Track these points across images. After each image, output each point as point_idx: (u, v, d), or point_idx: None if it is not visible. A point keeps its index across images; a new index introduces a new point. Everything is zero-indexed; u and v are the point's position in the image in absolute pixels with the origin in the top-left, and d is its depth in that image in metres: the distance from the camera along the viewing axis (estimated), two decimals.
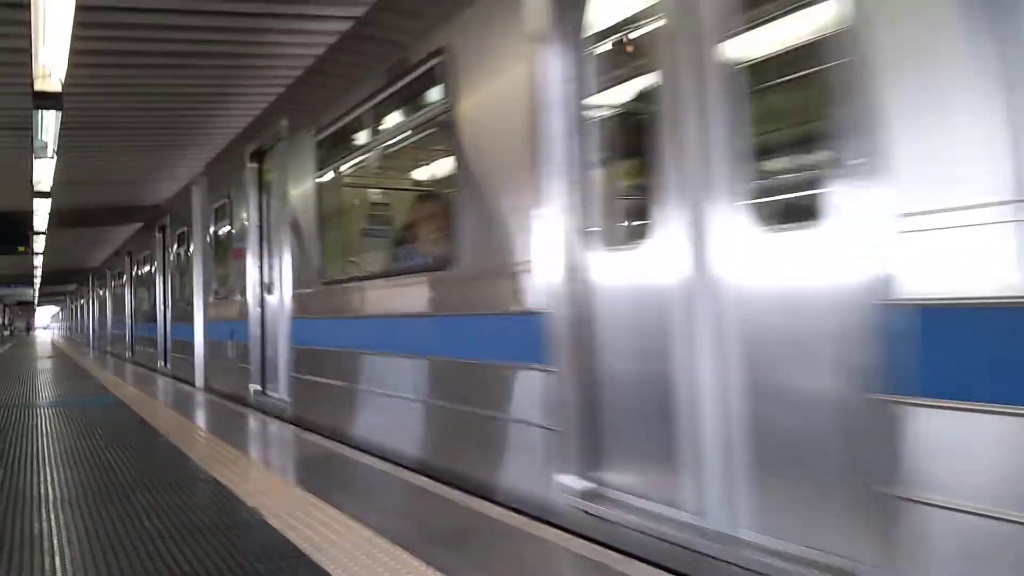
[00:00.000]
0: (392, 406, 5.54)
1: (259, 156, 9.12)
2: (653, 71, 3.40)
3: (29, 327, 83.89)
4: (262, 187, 9.13)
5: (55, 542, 3.55)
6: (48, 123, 8.34)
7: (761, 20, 3.41)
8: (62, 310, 71.31)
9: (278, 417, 7.60)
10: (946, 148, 2.20)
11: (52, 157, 9.82)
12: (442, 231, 5.24)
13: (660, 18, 3.34)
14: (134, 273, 20.18)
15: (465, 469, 4.58)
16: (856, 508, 2.46)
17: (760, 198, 2.98)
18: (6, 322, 67.10)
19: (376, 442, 5.71)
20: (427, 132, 5.76)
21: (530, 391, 4.02)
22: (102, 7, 6.03)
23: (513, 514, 3.77)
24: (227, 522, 3.79)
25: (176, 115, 9.67)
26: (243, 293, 9.14)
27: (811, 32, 3.24)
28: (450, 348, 4.83)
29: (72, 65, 6.70)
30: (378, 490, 4.56)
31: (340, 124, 6.68)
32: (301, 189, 7.45)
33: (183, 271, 13.44)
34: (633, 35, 3.72)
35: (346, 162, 6.94)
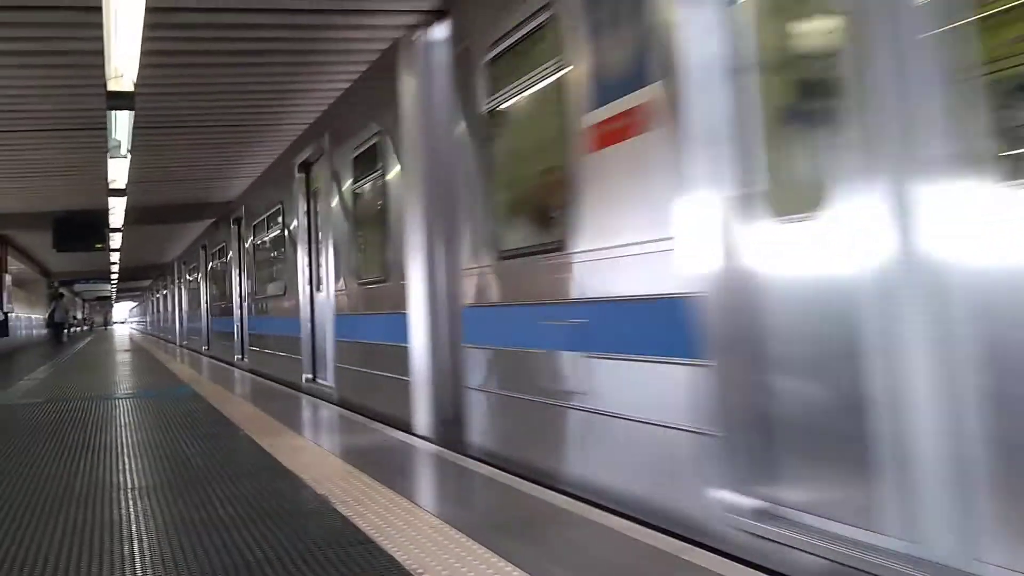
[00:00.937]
0: (513, 407, 4.88)
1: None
2: None
3: (107, 322, 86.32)
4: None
5: (133, 529, 3.65)
6: (121, 123, 8.56)
7: None
8: (138, 305, 73.09)
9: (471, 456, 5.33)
10: None
11: (126, 156, 10.08)
12: (549, 206, 4.61)
13: None
14: (209, 267, 20.15)
15: (589, 477, 4.04)
16: None
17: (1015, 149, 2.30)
18: (84, 317, 69.02)
19: (500, 451, 5.03)
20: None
21: (673, 390, 3.40)
22: (171, 8, 6.15)
23: (577, 502, 3.75)
24: (298, 509, 3.86)
25: (244, 113, 9.83)
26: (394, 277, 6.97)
27: None
28: (562, 340, 4.26)
29: (143, 65, 6.86)
30: (442, 479, 4.59)
31: None
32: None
33: (272, 262, 12.89)
34: None
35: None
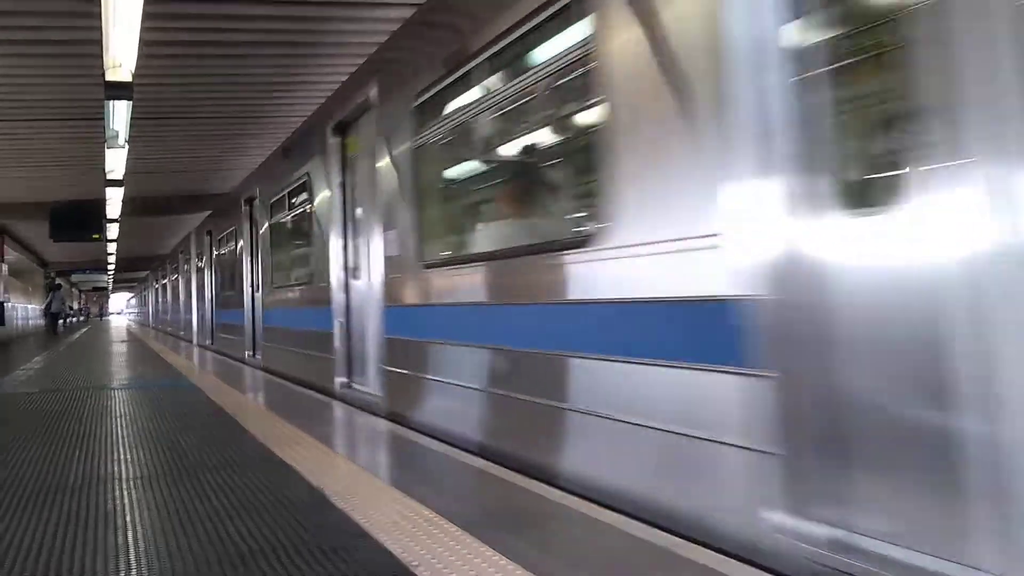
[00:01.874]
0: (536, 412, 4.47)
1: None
2: None
3: (103, 312, 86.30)
4: None
5: (127, 518, 3.65)
6: (119, 113, 8.56)
7: None
8: (135, 296, 73.02)
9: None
10: None
11: (124, 146, 10.08)
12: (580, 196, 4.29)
13: None
14: (215, 254, 17.93)
15: (630, 491, 3.68)
16: None
17: None
18: (81, 308, 68.99)
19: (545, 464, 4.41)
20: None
21: (722, 401, 3.11)
22: None
23: (574, 497, 3.76)
24: (293, 501, 3.86)
25: (242, 104, 9.84)
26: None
27: None
28: (593, 343, 3.97)
29: (142, 55, 6.86)
30: (438, 472, 4.59)
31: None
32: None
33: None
34: None
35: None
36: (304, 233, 9.79)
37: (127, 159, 11.24)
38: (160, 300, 37.91)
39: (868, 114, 2.82)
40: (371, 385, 7.35)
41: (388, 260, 6.68)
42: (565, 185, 4.87)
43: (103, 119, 8.78)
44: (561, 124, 4.67)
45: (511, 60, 4.87)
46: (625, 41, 3.67)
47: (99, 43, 6.53)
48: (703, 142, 3.18)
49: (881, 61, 2.69)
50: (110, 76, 7.15)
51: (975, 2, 2.27)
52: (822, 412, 2.73)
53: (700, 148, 3.20)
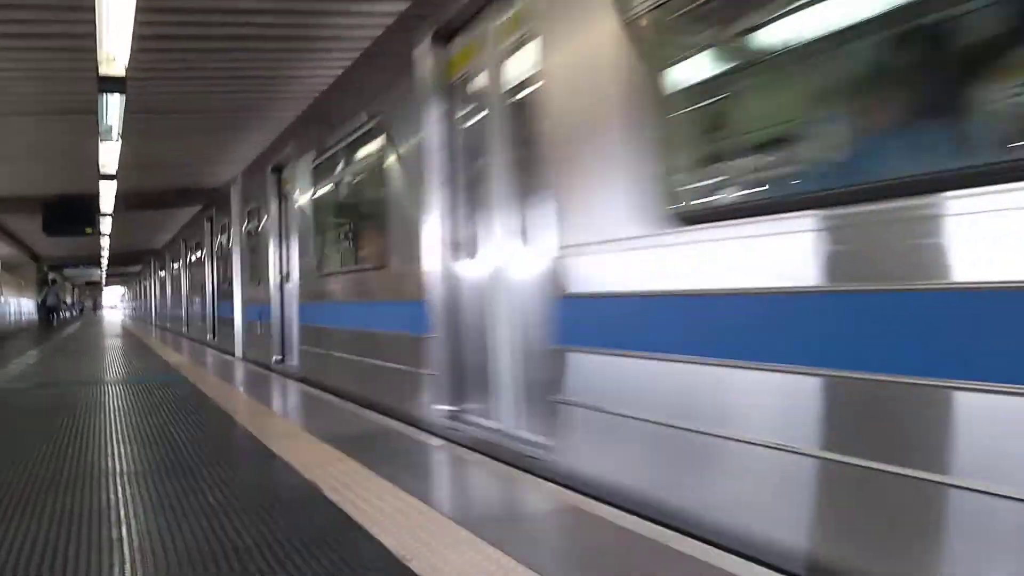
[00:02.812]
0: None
1: None
2: None
3: (96, 306, 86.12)
4: None
5: (121, 514, 3.65)
6: (112, 107, 8.53)
7: None
8: (130, 290, 72.70)
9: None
10: None
11: (117, 140, 10.05)
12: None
13: None
14: (216, 243, 16.42)
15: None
16: None
17: None
18: (75, 302, 68.82)
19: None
20: None
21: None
22: None
23: (564, 490, 3.76)
24: (288, 495, 3.86)
25: (236, 99, 9.80)
26: None
27: None
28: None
29: (135, 50, 6.83)
30: (428, 464, 4.60)
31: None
32: None
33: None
34: None
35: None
36: (376, 201, 7.18)
37: (120, 153, 11.20)
38: (157, 295, 35.45)
39: None
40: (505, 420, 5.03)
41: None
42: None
43: (96, 113, 8.75)
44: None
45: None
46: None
47: (92, 37, 6.51)
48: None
49: None
50: (103, 70, 7.12)
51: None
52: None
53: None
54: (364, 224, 7.98)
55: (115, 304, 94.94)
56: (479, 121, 5.33)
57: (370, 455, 4.62)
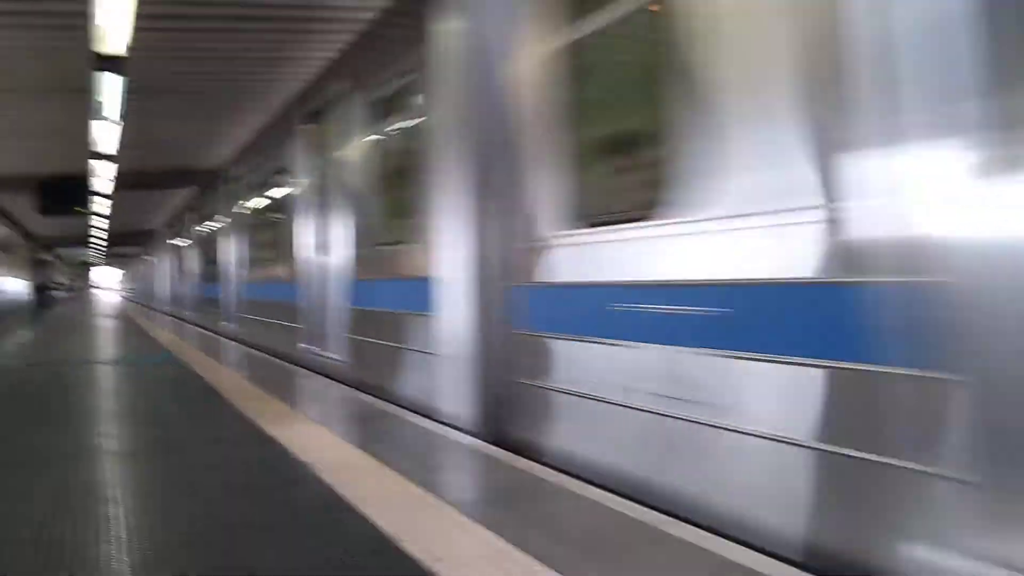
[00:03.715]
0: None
1: None
2: None
3: (92, 287, 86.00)
4: None
5: (117, 492, 3.66)
6: (111, 87, 8.50)
7: None
8: (129, 272, 72.01)
9: None
10: None
11: (115, 121, 10.01)
12: None
13: None
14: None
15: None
16: None
17: None
18: (70, 283, 68.69)
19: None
20: None
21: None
22: None
23: (559, 474, 3.78)
24: (282, 477, 3.87)
25: (235, 79, 9.77)
26: None
27: None
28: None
29: (136, 29, 6.81)
30: (431, 450, 4.61)
31: None
32: None
33: None
34: None
35: None
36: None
37: (121, 133, 11.16)
38: (161, 277, 31.42)
39: None
40: None
41: None
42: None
43: (92, 92, 8.71)
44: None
45: None
46: None
47: (88, 15, 6.48)
48: None
49: None
50: (103, 50, 7.10)
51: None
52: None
53: None
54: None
55: (113, 286, 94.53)
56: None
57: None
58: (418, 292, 5.73)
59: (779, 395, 2.96)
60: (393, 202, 7.13)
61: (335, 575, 2.61)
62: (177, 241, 25.26)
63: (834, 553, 2.75)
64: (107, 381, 7.84)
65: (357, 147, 7.81)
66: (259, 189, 13.05)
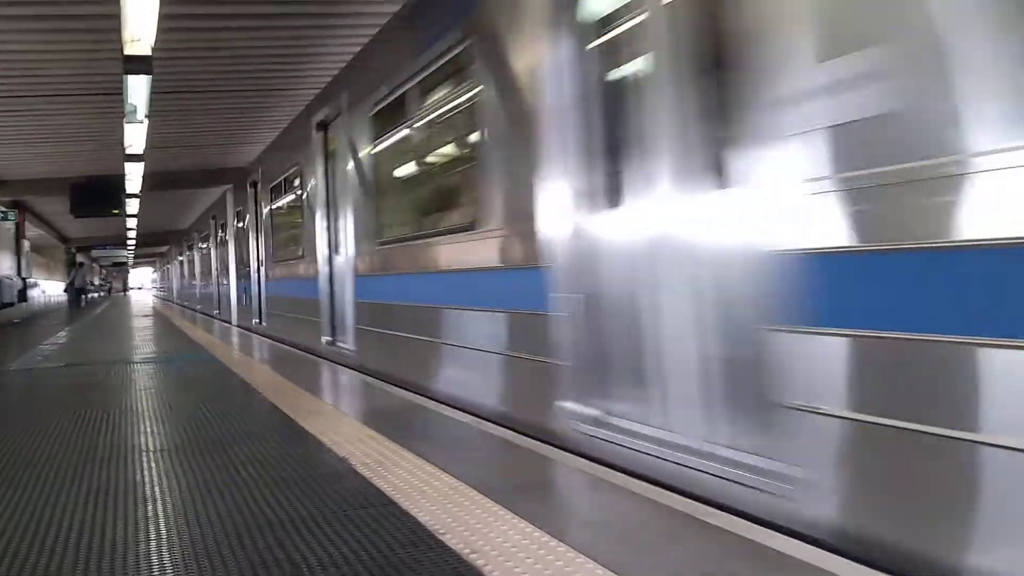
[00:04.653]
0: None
1: None
2: None
3: (125, 287, 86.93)
4: None
5: (155, 490, 3.69)
6: (138, 87, 8.57)
7: None
8: (158, 271, 72.66)
9: None
10: None
11: (143, 121, 10.10)
12: None
13: None
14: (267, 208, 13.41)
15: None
16: None
17: None
18: (102, 283, 69.45)
19: None
20: None
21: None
22: None
23: (592, 464, 3.76)
24: (320, 471, 3.88)
25: (260, 77, 9.83)
26: None
27: None
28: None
29: (161, 30, 6.85)
30: (461, 441, 4.61)
31: None
32: None
33: None
34: None
35: None
36: None
37: (147, 134, 11.27)
38: (189, 275, 31.96)
39: None
40: None
41: None
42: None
43: (122, 94, 8.80)
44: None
45: None
46: None
47: (117, 18, 6.53)
48: None
49: None
50: (129, 51, 7.16)
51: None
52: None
53: None
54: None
55: (143, 285, 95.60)
56: None
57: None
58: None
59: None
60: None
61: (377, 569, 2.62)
62: (206, 242, 25.27)
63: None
64: (146, 379, 7.91)
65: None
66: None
